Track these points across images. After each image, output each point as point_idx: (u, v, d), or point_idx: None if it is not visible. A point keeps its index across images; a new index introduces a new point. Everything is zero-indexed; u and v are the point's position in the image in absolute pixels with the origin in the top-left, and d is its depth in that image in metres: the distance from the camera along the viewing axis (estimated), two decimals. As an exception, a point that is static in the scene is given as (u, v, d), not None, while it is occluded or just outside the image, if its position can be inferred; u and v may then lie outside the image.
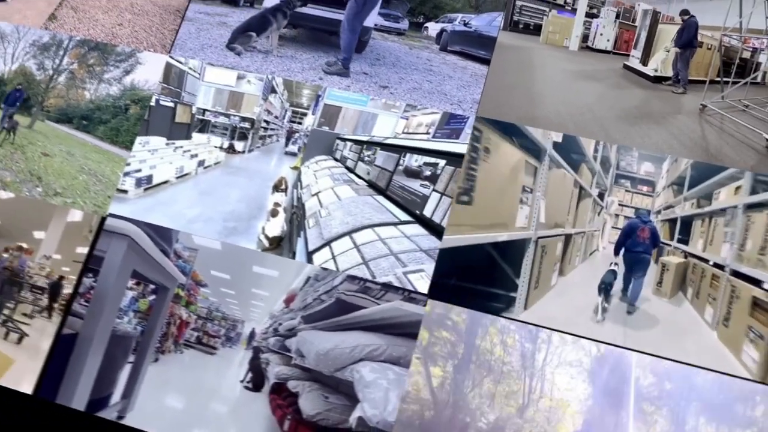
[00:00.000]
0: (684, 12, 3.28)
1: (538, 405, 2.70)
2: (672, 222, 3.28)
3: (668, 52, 3.19)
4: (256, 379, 2.82)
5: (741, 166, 2.81)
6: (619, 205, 3.36)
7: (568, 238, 3.53)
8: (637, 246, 2.92)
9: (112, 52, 3.44)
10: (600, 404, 2.57)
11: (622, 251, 2.96)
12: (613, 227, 3.16)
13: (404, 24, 3.40)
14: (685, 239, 3.24)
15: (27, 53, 3.52)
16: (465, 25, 3.28)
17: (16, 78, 3.50)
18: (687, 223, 3.27)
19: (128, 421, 2.79)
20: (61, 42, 3.50)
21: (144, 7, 3.55)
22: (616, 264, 2.90)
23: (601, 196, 3.50)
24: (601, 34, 3.29)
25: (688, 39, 3.14)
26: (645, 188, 3.31)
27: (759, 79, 3.09)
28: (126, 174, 3.14)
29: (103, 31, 3.49)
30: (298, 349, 2.83)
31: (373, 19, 3.35)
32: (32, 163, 3.29)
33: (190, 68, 3.34)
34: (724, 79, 3.11)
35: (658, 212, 3.21)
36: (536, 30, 3.30)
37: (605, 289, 2.81)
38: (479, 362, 2.74)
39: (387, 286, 2.80)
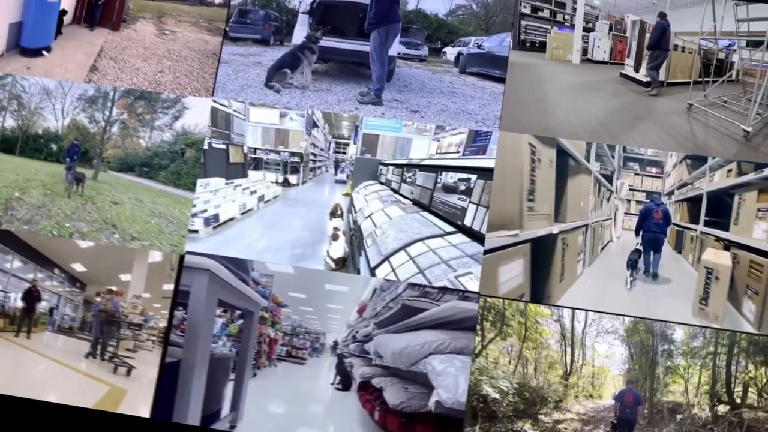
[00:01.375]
0: (660, 14, 3.62)
1: (581, 372, 3.17)
2: (693, 201, 3.16)
3: (655, 58, 3.56)
4: (344, 381, 3.25)
5: (725, 156, 3.27)
6: (630, 189, 3.63)
7: (548, 240, 3.23)
8: (653, 227, 3.35)
9: (158, 99, 3.62)
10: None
11: (641, 232, 3.38)
12: (625, 213, 3.49)
13: (424, 51, 3.67)
14: (720, 221, 2.78)
15: (75, 107, 3.66)
16: (479, 47, 3.58)
17: (71, 133, 3.65)
18: (716, 199, 2.81)
19: (240, 429, 3.19)
20: (107, 94, 3.65)
21: (181, 52, 3.70)
22: (639, 244, 3.31)
23: (608, 179, 3.71)
24: (598, 47, 3.64)
25: (654, 40, 3.50)
26: (654, 170, 3.50)
27: (734, 77, 3.52)
28: (194, 215, 3.40)
29: (146, 79, 3.64)
30: (376, 351, 3.25)
31: (396, 48, 3.60)
32: (104, 212, 3.51)
33: (234, 110, 3.55)
34: (705, 79, 3.53)
35: (671, 193, 3.36)
36: (541, 47, 3.62)
37: (632, 264, 3.27)
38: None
39: (443, 290, 3.20)
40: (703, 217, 3.09)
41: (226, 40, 3.66)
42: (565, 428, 3.13)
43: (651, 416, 2.89)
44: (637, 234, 3.41)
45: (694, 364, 2.93)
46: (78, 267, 3.49)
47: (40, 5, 3.82)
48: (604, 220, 3.72)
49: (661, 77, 3.62)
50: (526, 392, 3.16)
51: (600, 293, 3.26)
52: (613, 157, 3.68)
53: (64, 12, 3.88)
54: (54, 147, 3.64)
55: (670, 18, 3.58)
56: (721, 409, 2.78)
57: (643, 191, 3.62)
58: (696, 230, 3.22)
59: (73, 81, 3.66)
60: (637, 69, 3.66)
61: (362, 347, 3.30)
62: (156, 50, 3.74)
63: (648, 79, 3.59)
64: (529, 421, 3.10)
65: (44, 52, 3.78)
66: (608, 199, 3.73)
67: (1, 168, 3.63)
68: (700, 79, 3.56)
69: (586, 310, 3.19)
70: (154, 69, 3.69)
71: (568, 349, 3.22)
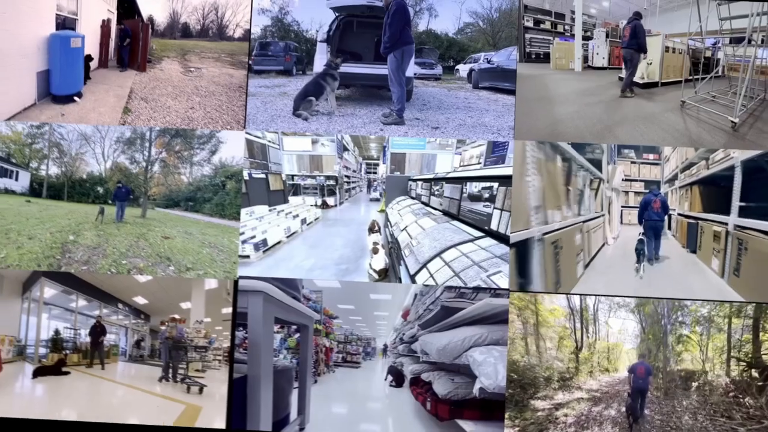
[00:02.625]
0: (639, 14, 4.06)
1: (595, 347, 3.69)
2: (709, 183, 2.69)
3: (650, 63, 4.04)
4: (397, 378, 3.77)
5: (716, 146, 3.79)
6: (626, 179, 4.03)
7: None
8: (652, 216, 3.87)
9: (193, 135, 3.99)
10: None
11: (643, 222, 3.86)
12: (623, 207, 3.89)
13: (438, 70, 4.09)
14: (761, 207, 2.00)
15: (115, 150, 4.02)
16: (488, 62, 4.01)
17: (114, 175, 4.02)
18: (760, 172, 2.02)
19: (308, 430, 3.71)
20: (143, 134, 4.00)
21: (208, 88, 4.05)
22: (642, 233, 3.81)
23: (595, 165, 3.99)
24: (597, 53, 4.10)
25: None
26: (651, 156, 3.79)
27: (720, 73, 4.02)
28: (243, 242, 3.83)
29: (178, 117, 4.00)
30: (422, 350, 3.78)
31: (412, 69, 4.01)
32: (157, 247, 3.92)
33: (269, 141, 3.95)
34: (695, 76, 4.02)
35: (673, 179, 3.58)
36: (546, 58, 4.06)
37: (639, 253, 3.78)
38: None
39: (477, 289, 3.72)
40: (737, 203, 2.35)
41: (250, 73, 4.01)
42: (565, 415, 3.55)
43: (667, 387, 3.46)
44: (639, 223, 3.91)
45: (706, 330, 3.43)
46: (140, 300, 3.92)
47: (65, 52, 4.12)
48: (589, 219, 3.98)
49: (656, 78, 4.11)
50: (512, 373, 3.52)
51: (610, 280, 3.75)
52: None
53: (89, 57, 4.19)
54: (100, 190, 4.01)
55: (660, 22, 4.04)
56: (754, 373, 3.13)
57: (641, 180, 4.02)
58: (726, 224, 2.43)
59: (109, 124, 4.00)
60: (633, 72, 4.14)
61: (409, 347, 3.82)
62: (184, 88, 4.09)
63: (643, 81, 4.08)
64: (508, 412, 3.46)
65: (76, 98, 4.10)
66: (596, 190, 4.05)
67: (52, 214, 3.99)
68: (691, 77, 4.05)
69: (601, 295, 3.72)
70: (185, 106, 4.04)
71: (578, 325, 3.65)
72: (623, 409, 3.55)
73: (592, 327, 3.68)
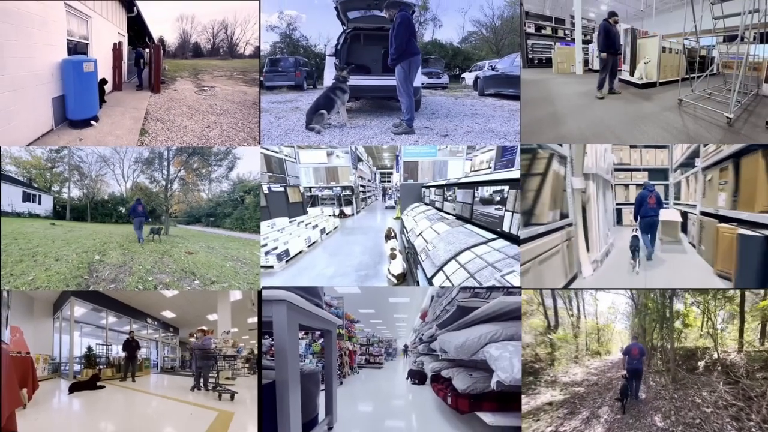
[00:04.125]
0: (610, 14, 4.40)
1: (579, 327, 4.03)
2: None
3: (647, 63, 4.42)
4: (419, 376, 4.18)
5: (713, 142, 4.19)
6: (621, 167, 4.31)
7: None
8: (648, 212, 4.25)
9: (211, 153, 4.35)
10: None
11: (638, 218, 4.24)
12: (618, 205, 4.26)
13: (445, 79, 4.46)
14: None
15: (135, 170, 4.38)
16: (493, 69, 4.39)
17: (135, 194, 4.37)
18: None
19: (337, 429, 4.11)
20: (161, 154, 4.36)
21: (223, 106, 4.40)
22: (636, 229, 4.17)
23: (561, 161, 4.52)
24: (597, 57, 4.47)
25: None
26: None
27: (715, 70, 4.40)
28: (267, 253, 4.20)
29: (195, 136, 4.36)
30: (441, 348, 4.18)
31: (419, 79, 4.38)
32: (181, 262, 4.29)
33: (286, 155, 4.32)
34: (691, 75, 4.41)
35: (689, 162, 3.63)
36: (548, 63, 4.44)
37: (634, 250, 4.16)
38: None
39: (491, 288, 4.11)
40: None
41: (262, 90, 4.37)
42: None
43: (674, 372, 3.87)
44: (635, 220, 4.25)
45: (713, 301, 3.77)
46: (168, 314, 4.29)
47: (78, 77, 4.45)
48: (551, 236, 4.29)
49: (654, 78, 4.49)
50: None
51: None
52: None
53: (104, 81, 4.52)
54: (122, 210, 4.37)
55: (656, 23, 4.41)
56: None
57: (643, 169, 4.31)
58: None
59: (127, 146, 4.35)
60: (632, 73, 4.52)
61: (429, 346, 4.23)
62: (199, 107, 4.44)
63: (641, 82, 4.46)
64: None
65: (93, 122, 4.43)
66: (543, 176, 4.35)
67: (77, 235, 4.35)
68: (687, 76, 4.44)
69: (594, 289, 4.12)
70: (201, 125, 4.40)
71: (549, 301, 3.82)
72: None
73: (575, 302, 3.88)
